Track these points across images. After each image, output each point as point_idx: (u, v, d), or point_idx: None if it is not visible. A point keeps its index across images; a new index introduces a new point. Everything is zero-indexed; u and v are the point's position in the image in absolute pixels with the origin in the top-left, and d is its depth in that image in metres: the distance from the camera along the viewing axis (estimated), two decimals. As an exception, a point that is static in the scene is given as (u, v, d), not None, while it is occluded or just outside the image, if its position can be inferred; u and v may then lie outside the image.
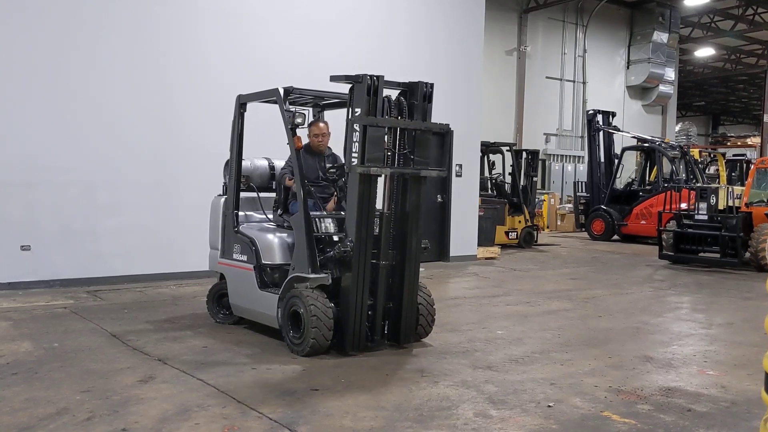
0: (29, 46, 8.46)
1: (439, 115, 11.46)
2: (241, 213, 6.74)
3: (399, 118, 5.67)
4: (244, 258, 6.39)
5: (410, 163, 5.69)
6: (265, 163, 7.10)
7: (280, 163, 6.89)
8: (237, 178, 6.68)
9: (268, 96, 6.30)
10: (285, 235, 6.22)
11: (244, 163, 6.80)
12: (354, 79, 5.56)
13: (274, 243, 6.21)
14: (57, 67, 8.64)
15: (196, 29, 9.59)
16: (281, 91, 6.06)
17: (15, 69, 8.40)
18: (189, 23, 9.53)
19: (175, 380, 4.86)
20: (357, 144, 5.43)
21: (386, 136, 5.60)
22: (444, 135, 12.12)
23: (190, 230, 8.79)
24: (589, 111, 19.44)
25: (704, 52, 30.25)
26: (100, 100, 8.92)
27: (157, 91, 9.31)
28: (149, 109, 9.25)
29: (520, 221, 15.51)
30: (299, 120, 5.94)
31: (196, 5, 9.60)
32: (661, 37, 25.45)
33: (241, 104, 6.72)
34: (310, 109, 7.02)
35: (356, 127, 5.43)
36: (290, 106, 6.10)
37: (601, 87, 25.02)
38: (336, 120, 6.52)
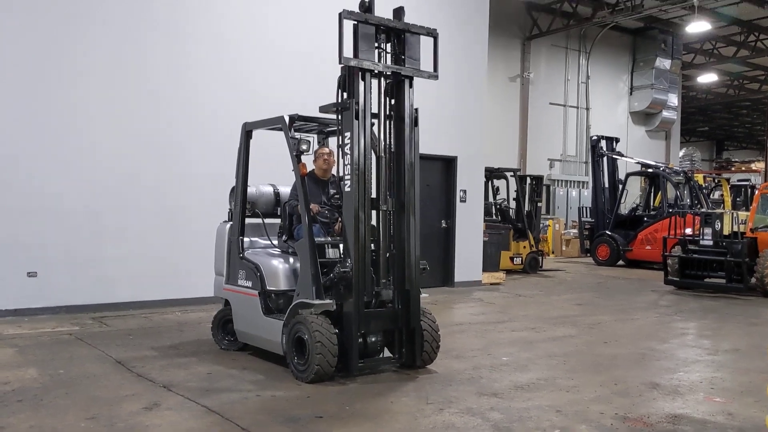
0: (34, 75, 8.57)
1: (443, 140, 11.72)
2: (246, 239, 6.77)
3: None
4: (249, 284, 6.41)
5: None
6: (271, 189, 7.15)
7: (285, 190, 6.94)
8: (242, 204, 6.72)
9: (273, 123, 6.38)
10: (290, 260, 6.24)
11: (249, 189, 6.85)
12: (342, 106, 5.67)
13: (278, 269, 6.24)
14: (62, 96, 8.74)
15: (195, 58, 9.69)
16: (287, 119, 6.15)
17: (21, 98, 8.50)
18: (185, 52, 9.63)
19: (180, 407, 4.85)
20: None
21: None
22: (449, 160, 12.22)
23: (195, 256, 8.81)
24: (592, 137, 19.51)
25: (707, 78, 30.40)
26: (105, 127, 8.99)
27: (160, 119, 9.40)
28: (154, 136, 9.33)
29: (525, 246, 15.50)
30: (304, 147, 6.03)
31: (192, 36, 9.71)
32: (663, 63, 25.61)
33: (247, 131, 6.80)
34: (315, 136, 7.11)
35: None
36: (295, 134, 6.19)
37: (605, 113, 25.13)
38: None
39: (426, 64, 6.05)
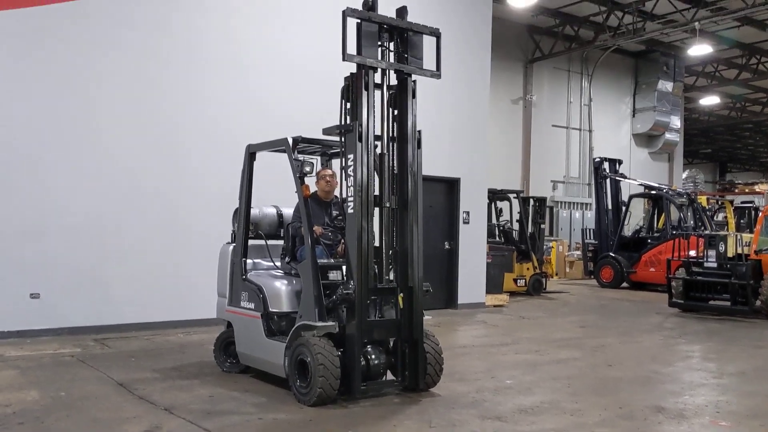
0: (40, 94, 8.64)
1: (446, 162, 11.74)
2: (249, 260, 6.77)
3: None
4: (252, 306, 6.40)
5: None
6: (274, 210, 7.16)
7: (288, 211, 6.95)
8: (245, 225, 6.73)
9: (277, 145, 6.41)
10: (293, 282, 6.24)
11: (252, 211, 6.87)
12: (345, 128, 5.70)
13: (281, 291, 6.23)
14: (69, 119, 8.80)
15: (204, 80, 9.77)
16: (290, 141, 6.17)
17: (27, 119, 8.56)
18: (197, 73, 9.72)
19: (181, 430, 4.82)
20: None
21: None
22: (452, 182, 12.25)
23: (198, 278, 8.80)
24: (595, 159, 19.55)
25: (709, 101, 30.51)
26: (110, 149, 9.05)
27: (165, 141, 9.46)
28: (158, 158, 9.38)
29: (528, 268, 15.46)
30: (307, 169, 6.05)
31: (204, 57, 9.80)
32: (665, 85, 25.71)
33: (251, 153, 6.82)
34: (318, 158, 7.13)
35: None
36: (299, 155, 6.21)
37: (608, 135, 25.20)
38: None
39: (429, 65, 6.09)
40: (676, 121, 26.73)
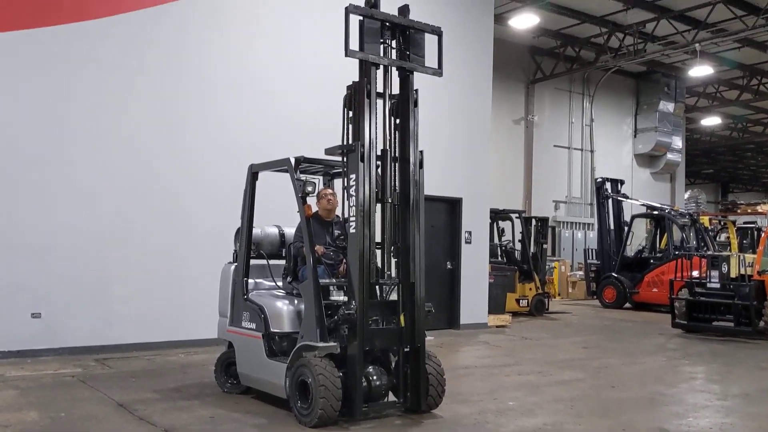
0: (43, 115, 8.69)
1: (448, 182, 11.75)
2: (251, 280, 6.76)
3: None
4: (253, 326, 6.38)
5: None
6: (276, 230, 7.16)
7: (290, 231, 6.96)
8: (247, 245, 6.73)
9: (279, 165, 6.43)
10: (294, 302, 6.22)
11: (254, 230, 6.87)
12: (347, 148, 5.71)
13: (282, 311, 6.21)
14: (73, 139, 8.85)
15: (217, 95, 9.82)
16: (292, 161, 6.20)
17: (29, 139, 8.61)
18: (210, 91, 9.78)
19: (181, 451, 4.79)
20: None
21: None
22: (454, 202, 12.27)
23: (200, 297, 8.79)
24: (597, 179, 19.56)
25: (711, 121, 30.57)
26: (113, 170, 9.08)
27: (168, 163, 9.49)
28: (161, 179, 9.41)
29: (530, 288, 15.42)
30: (310, 189, 6.07)
31: (218, 78, 9.86)
32: (667, 106, 25.79)
33: (253, 173, 6.84)
34: (320, 178, 7.14)
35: None
36: (301, 175, 6.23)
37: (609, 155, 25.23)
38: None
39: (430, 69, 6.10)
40: (678, 142, 26.78)
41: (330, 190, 6.74)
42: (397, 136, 5.98)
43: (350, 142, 5.83)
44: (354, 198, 5.67)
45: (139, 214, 9.22)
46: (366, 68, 5.78)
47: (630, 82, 26.07)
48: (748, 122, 32.31)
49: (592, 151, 24.72)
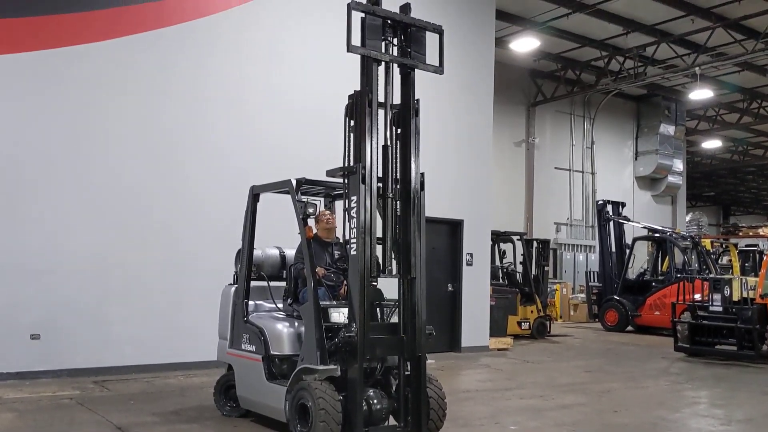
0: (43, 135, 8.72)
1: (449, 204, 11.76)
2: (251, 302, 6.73)
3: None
4: (253, 348, 6.34)
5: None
6: (276, 252, 7.15)
7: (290, 252, 6.94)
8: (248, 267, 6.71)
9: (280, 187, 6.43)
10: (294, 324, 6.19)
11: (255, 252, 6.85)
12: (349, 170, 5.71)
13: (282, 333, 6.18)
14: (70, 160, 8.87)
15: (208, 118, 9.86)
16: (293, 182, 6.20)
17: (29, 160, 8.63)
18: (202, 114, 9.82)
19: (179, 476, 4.74)
20: None
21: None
22: (456, 224, 12.26)
23: (199, 320, 8.76)
24: (598, 201, 19.57)
25: (711, 144, 30.65)
26: (113, 189, 9.10)
27: (169, 183, 9.51)
28: (161, 199, 9.42)
29: (532, 311, 15.35)
30: (311, 210, 6.06)
31: (210, 97, 9.91)
32: (668, 129, 25.86)
33: (255, 195, 6.85)
34: (322, 200, 7.15)
35: None
36: (302, 197, 6.23)
37: (610, 177, 25.27)
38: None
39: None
40: (679, 165, 26.82)
41: (328, 212, 6.75)
42: (398, 144, 5.96)
43: (351, 151, 5.78)
44: (355, 220, 5.66)
45: (139, 236, 9.21)
46: (367, 65, 5.78)
47: (630, 105, 26.17)
48: (749, 145, 32.39)
49: (593, 174, 24.76)
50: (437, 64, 6.06)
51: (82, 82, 8.97)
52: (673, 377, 10.37)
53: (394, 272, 5.81)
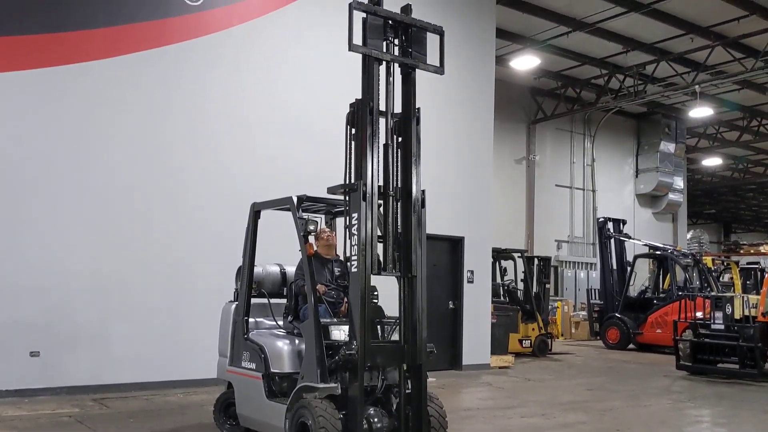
0: (43, 152, 8.74)
1: (450, 221, 11.76)
2: (251, 319, 6.71)
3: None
4: (253, 366, 6.31)
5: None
6: (277, 269, 7.14)
7: (291, 269, 6.93)
8: (249, 284, 6.70)
9: (281, 204, 6.44)
10: (295, 342, 6.16)
11: (256, 269, 6.84)
12: (350, 188, 5.71)
13: (283, 350, 6.15)
14: (70, 177, 8.88)
15: (210, 136, 9.89)
16: (295, 200, 6.20)
17: (28, 176, 8.65)
18: (204, 132, 9.86)
19: (177, 495, 4.70)
20: None
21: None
22: (456, 241, 12.25)
23: (199, 337, 8.73)
24: (599, 218, 19.56)
25: (712, 162, 30.69)
26: (114, 207, 9.11)
27: (169, 201, 9.52)
28: (161, 217, 9.43)
29: (533, 329, 15.29)
30: (312, 227, 6.06)
31: (211, 114, 9.94)
32: (668, 147, 25.90)
33: (256, 211, 6.85)
34: (323, 217, 7.15)
35: None
36: (303, 214, 6.23)
37: (611, 195, 25.28)
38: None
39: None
40: (679, 182, 26.84)
41: (328, 229, 6.75)
42: (399, 155, 5.96)
43: (352, 161, 5.78)
44: (356, 237, 5.64)
45: (139, 253, 9.20)
46: (369, 65, 5.79)
47: (631, 122, 26.25)
48: (749, 163, 32.44)
49: (593, 191, 24.78)
50: (438, 65, 6.08)
51: (84, 100, 9.01)
52: (675, 396, 10.31)
53: (395, 270, 5.77)
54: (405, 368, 5.72)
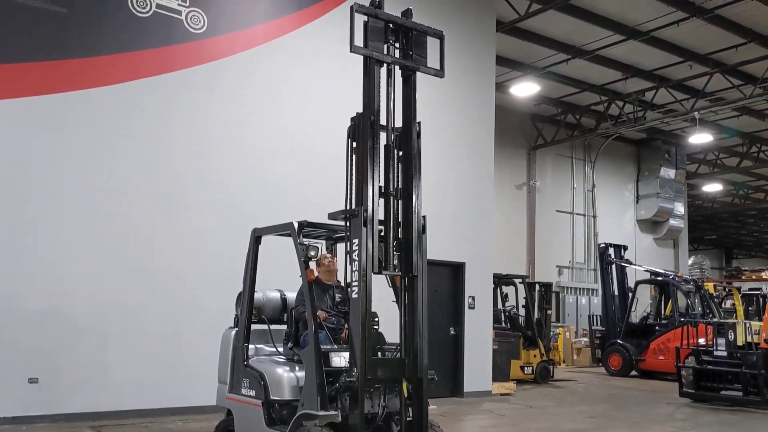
0: (50, 178, 8.77)
1: (451, 246, 11.75)
2: (251, 346, 6.67)
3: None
4: (253, 393, 6.26)
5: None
6: (278, 295, 7.11)
7: (291, 295, 6.90)
8: (249, 310, 6.66)
9: (282, 230, 6.43)
10: (295, 369, 6.12)
11: (256, 295, 6.81)
12: (351, 214, 5.72)
13: (283, 377, 6.10)
14: (70, 205, 8.90)
15: (212, 161, 9.92)
16: (296, 225, 6.20)
17: (38, 209, 8.67)
18: (206, 157, 9.89)
19: None
20: None
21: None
22: (457, 266, 12.22)
23: (198, 364, 8.68)
24: (600, 244, 19.52)
25: (712, 188, 30.75)
26: (114, 235, 9.10)
27: (171, 227, 9.53)
28: (163, 243, 9.43)
29: (535, 355, 15.20)
30: (312, 253, 6.05)
31: (212, 141, 9.99)
32: (668, 172, 25.97)
33: (256, 237, 6.84)
34: (323, 242, 7.14)
35: None
36: (304, 240, 6.22)
37: (612, 220, 25.29)
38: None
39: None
40: (680, 208, 26.86)
41: (329, 255, 6.74)
42: (400, 168, 5.96)
43: (353, 175, 5.79)
44: (357, 263, 5.62)
45: (139, 280, 9.19)
46: (370, 67, 5.82)
47: (631, 148, 26.34)
48: (750, 189, 32.49)
49: (594, 217, 24.79)
50: (438, 68, 6.11)
51: (87, 126, 9.05)
52: (678, 423, 10.21)
53: (395, 270, 5.75)
54: (406, 396, 5.66)
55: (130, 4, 9.41)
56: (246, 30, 10.39)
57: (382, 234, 5.73)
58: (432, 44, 6.09)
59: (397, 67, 5.96)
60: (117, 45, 9.33)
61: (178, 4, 9.79)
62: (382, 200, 5.77)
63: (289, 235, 6.32)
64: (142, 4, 9.48)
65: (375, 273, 5.58)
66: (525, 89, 19.22)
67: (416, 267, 5.73)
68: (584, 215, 24.59)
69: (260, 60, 10.45)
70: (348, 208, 5.78)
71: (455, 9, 12.56)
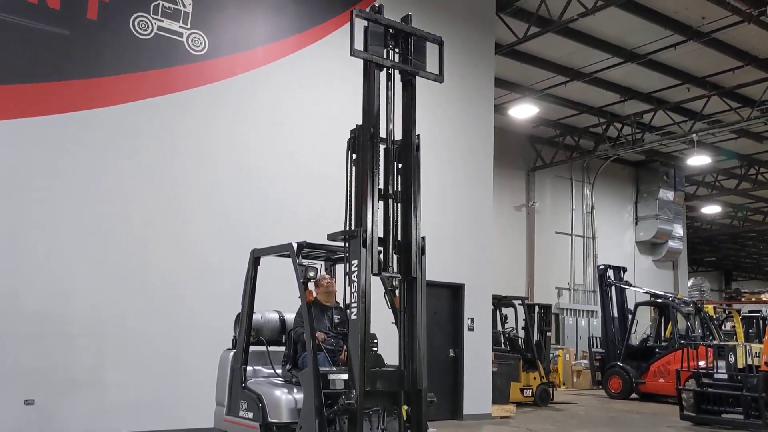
0: (51, 199, 8.77)
1: (450, 268, 11.73)
2: (249, 367, 6.63)
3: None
4: (250, 415, 6.22)
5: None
6: (276, 316, 7.09)
7: (290, 317, 6.88)
8: (247, 331, 6.64)
9: (281, 250, 6.43)
10: (293, 391, 6.08)
11: (255, 316, 6.80)
12: (350, 235, 5.72)
13: (281, 400, 6.06)
14: (69, 225, 8.88)
15: (214, 181, 9.94)
16: (295, 246, 6.20)
17: (37, 229, 8.67)
18: (208, 177, 9.90)
19: None
20: None
21: None
22: (457, 288, 12.19)
23: (196, 385, 8.61)
24: (599, 266, 19.50)
25: (711, 209, 30.78)
26: (112, 256, 9.07)
27: (172, 247, 9.51)
28: (163, 264, 9.40)
29: (535, 377, 15.11)
30: (311, 274, 6.04)
31: (215, 161, 10.01)
32: (667, 194, 26.02)
33: (255, 258, 6.83)
34: (322, 263, 7.13)
35: None
36: (303, 260, 6.21)
37: (611, 242, 25.27)
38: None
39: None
40: (679, 230, 26.86)
41: (328, 276, 6.72)
42: (399, 178, 5.96)
43: (353, 187, 5.80)
44: (356, 284, 5.61)
45: (138, 300, 9.14)
46: (369, 71, 5.85)
47: (629, 170, 26.41)
48: (749, 211, 32.53)
49: (593, 238, 24.79)
50: (437, 73, 6.14)
51: (89, 147, 9.05)
52: (679, 447, 10.13)
53: (394, 271, 5.75)
54: (405, 419, 5.62)
55: (131, 27, 9.48)
56: (247, 52, 10.46)
57: (381, 237, 5.75)
58: (431, 51, 6.14)
59: (396, 73, 6.02)
60: (118, 66, 9.37)
61: (180, 27, 9.86)
62: (381, 202, 5.79)
63: (288, 256, 6.31)
64: (143, 26, 9.56)
65: (374, 275, 5.58)
66: (524, 111, 19.32)
67: (415, 269, 5.73)
68: (583, 237, 24.59)
69: (261, 81, 10.51)
70: (347, 228, 5.79)
71: (454, 32, 12.64)
